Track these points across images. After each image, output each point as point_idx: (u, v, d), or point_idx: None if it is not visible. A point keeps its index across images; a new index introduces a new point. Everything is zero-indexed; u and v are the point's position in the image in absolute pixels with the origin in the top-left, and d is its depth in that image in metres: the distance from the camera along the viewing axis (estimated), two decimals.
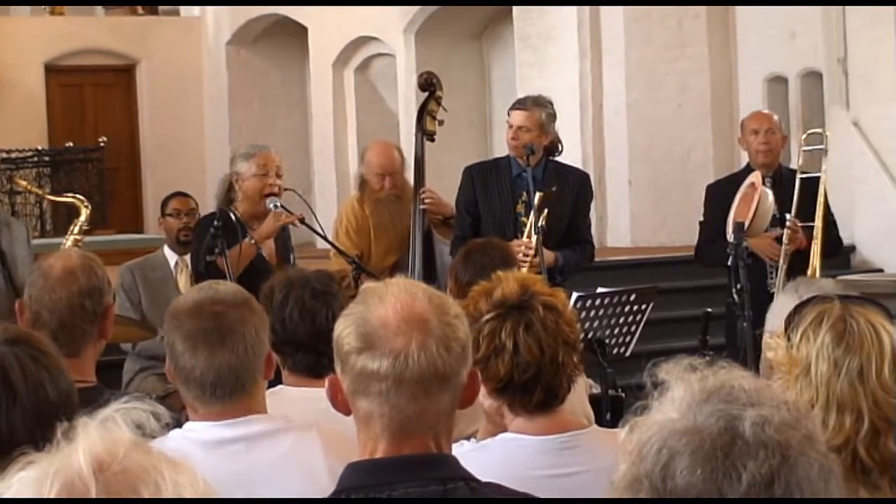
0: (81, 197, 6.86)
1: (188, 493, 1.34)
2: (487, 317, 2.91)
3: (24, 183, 7.90)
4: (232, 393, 2.93)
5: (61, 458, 1.34)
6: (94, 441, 1.35)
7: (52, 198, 7.61)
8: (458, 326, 2.30)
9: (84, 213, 6.53)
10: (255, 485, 2.91)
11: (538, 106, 6.68)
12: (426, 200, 6.83)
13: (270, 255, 6.33)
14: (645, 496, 1.57)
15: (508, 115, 6.76)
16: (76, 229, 6.44)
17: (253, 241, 6.09)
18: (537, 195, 6.37)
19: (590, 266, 7.02)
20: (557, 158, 6.77)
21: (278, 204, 6.20)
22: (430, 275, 6.68)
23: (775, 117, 7.36)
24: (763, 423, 1.57)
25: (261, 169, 6.29)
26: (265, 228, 6.16)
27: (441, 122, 7.11)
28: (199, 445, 2.91)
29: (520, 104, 6.75)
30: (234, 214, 6.19)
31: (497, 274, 3.05)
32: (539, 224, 6.30)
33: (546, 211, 6.34)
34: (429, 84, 7.11)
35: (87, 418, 1.38)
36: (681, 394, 1.63)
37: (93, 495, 1.32)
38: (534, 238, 6.32)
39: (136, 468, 1.34)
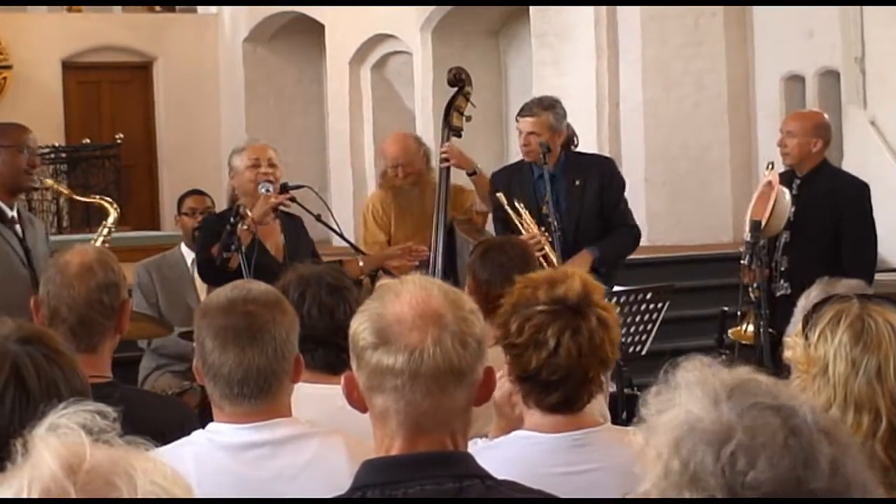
0: (110, 199, 6.77)
1: (158, 479, 1.37)
2: (540, 308, 2.88)
3: (50, 182, 7.77)
4: (259, 393, 2.91)
5: (30, 470, 1.36)
6: (55, 446, 1.37)
7: (80, 199, 7.50)
8: (474, 322, 2.29)
9: (112, 215, 6.44)
10: (279, 490, 2.89)
11: (544, 109, 6.65)
12: (444, 156, 6.89)
13: (277, 250, 6.25)
14: (718, 493, 1.55)
15: (517, 121, 6.74)
16: (105, 231, 6.37)
17: (246, 227, 5.99)
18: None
19: (635, 250, 6.96)
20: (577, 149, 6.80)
21: (269, 188, 6.13)
22: (450, 271, 6.68)
23: (808, 119, 7.00)
24: (816, 414, 1.58)
25: (252, 161, 6.17)
26: (256, 211, 6.01)
27: (469, 119, 7.09)
28: (222, 449, 2.91)
29: (525, 111, 6.70)
30: (240, 210, 6.16)
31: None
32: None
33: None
34: (458, 80, 7.11)
35: (37, 429, 1.40)
36: (702, 393, 1.62)
37: (73, 496, 1.33)
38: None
39: (104, 463, 1.36)
